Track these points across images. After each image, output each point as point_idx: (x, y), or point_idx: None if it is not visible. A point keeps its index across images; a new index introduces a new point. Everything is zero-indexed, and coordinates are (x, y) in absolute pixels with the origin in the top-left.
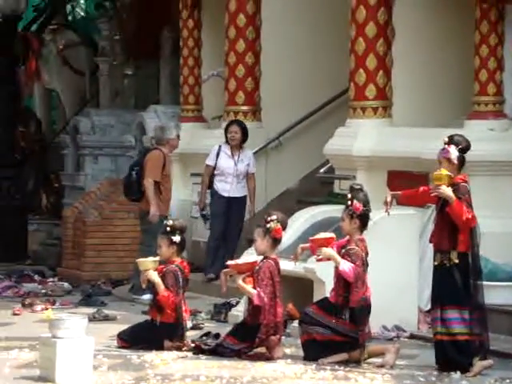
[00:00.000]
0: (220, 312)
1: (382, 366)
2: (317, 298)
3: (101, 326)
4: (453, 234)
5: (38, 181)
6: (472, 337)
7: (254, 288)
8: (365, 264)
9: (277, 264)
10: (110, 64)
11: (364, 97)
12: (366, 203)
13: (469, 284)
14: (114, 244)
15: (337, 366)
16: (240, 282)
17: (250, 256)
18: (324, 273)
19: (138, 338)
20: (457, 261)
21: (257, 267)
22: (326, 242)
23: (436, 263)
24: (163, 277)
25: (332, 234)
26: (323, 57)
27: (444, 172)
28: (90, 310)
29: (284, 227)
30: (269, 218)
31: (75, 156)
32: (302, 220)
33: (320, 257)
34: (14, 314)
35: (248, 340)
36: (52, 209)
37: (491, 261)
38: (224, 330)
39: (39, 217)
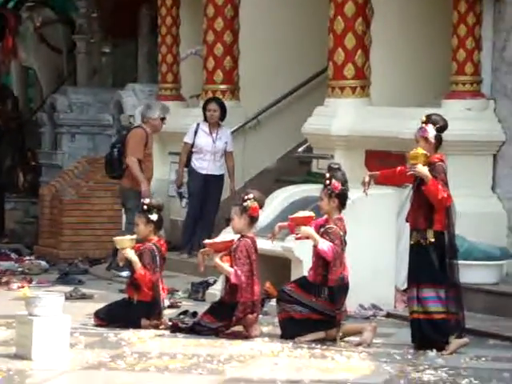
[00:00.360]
0: (197, 291)
1: (359, 344)
2: (294, 276)
3: (78, 304)
4: (429, 213)
5: (14, 159)
6: (448, 315)
7: (231, 266)
8: (343, 243)
9: (254, 242)
10: (88, 42)
11: (342, 76)
12: (344, 182)
13: (445, 263)
14: (91, 222)
15: (314, 345)
16: (217, 260)
17: (227, 235)
18: (302, 251)
19: (115, 317)
20: (433, 240)
21: (234, 246)
22: (305, 221)
23: (412, 242)
24: (140, 255)
25: (311, 213)
26: (302, 35)
27: (420, 151)
28: (67, 289)
29: (261, 206)
30: (246, 197)
31: (52, 134)
32: (279, 199)
33: (299, 235)
34: None
35: (225, 318)
36: (29, 187)
37: (467, 240)
38: (201, 308)
39: (16, 195)
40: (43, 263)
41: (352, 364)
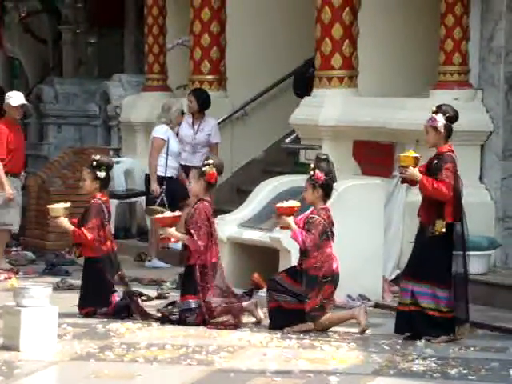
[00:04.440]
0: None
1: (363, 331)
2: (282, 267)
3: (65, 295)
4: (439, 207)
5: None
6: (441, 313)
7: (188, 231)
8: (327, 233)
9: (211, 204)
10: (74, 32)
11: (330, 66)
12: (328, 172)
13: (452, 256)
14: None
15: (302, 335)
16: (170, 230)
17: (176, 212)
18: (290, 242)
19: (89, 298)
20: (443, 230)
21: (192, 209)
22: (290, 211)
23: (420, 234)
24: (87, 211)
25: (297, 203)
26: (289, 26)
27: (410, 153)
28: (54, 279)
29: (219, 172)
30: (205, 162)
31: (38, 125)
32: (267, 190)
33: (280, 225)
34: None
35: (193, 288)
36: None
37: None
38: None
39: None
40: (30, 254)
41: (341, 354)
